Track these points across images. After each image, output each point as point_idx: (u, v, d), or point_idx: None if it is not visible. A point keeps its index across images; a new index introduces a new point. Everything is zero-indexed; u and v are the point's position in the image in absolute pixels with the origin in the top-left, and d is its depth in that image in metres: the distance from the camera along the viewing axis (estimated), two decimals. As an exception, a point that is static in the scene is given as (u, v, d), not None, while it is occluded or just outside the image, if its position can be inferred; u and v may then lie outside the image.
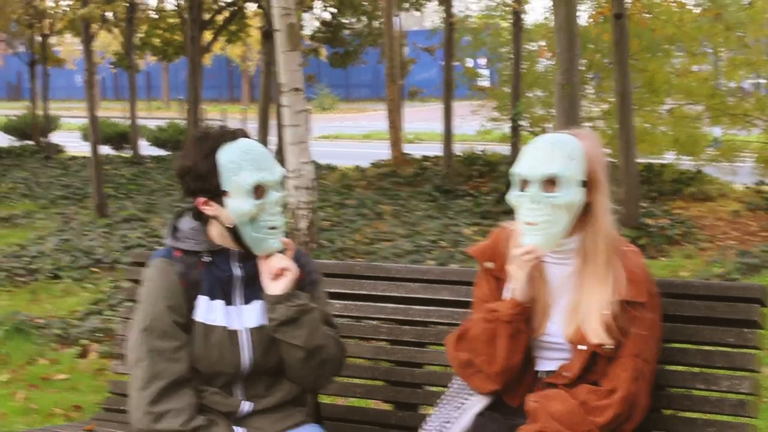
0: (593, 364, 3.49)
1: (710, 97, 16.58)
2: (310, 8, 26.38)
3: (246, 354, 3.64)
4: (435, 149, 22.01)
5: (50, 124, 29.10)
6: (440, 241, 13.30)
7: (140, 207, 17.64)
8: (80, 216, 16.91)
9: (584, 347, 3.48)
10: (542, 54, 20.16)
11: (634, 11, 15.84)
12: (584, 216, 3.58)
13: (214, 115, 40.26)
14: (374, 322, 4.35)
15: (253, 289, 3.68)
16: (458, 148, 20.71)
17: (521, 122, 19.11)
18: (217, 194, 3.57)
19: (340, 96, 53.47)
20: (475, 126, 21.01)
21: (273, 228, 3.61)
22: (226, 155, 3.55)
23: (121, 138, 27.95)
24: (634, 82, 15.59)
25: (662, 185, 17.06)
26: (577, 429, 3.36)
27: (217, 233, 3.68)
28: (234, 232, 3.60)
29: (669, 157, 17.67)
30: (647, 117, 17.63)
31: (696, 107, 17.43)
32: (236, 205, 3.54)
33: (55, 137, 29.57)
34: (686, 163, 17.51)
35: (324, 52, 32.03)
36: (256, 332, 3.65)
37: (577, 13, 12.10)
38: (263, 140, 16.58)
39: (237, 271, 3.68)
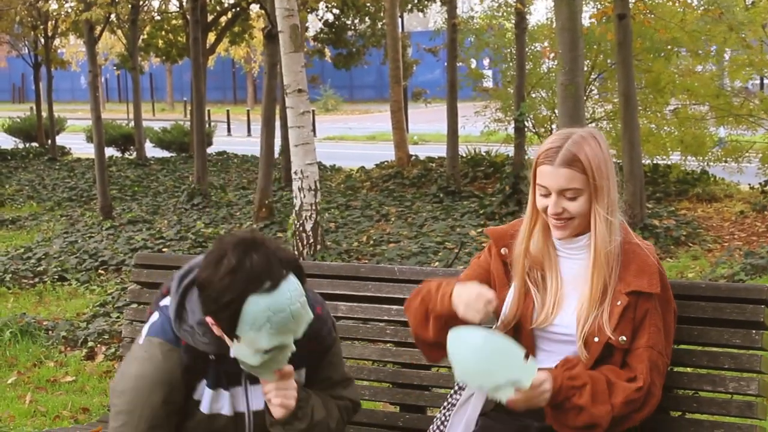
0: (607, 356, 3.48)
1: (715, 97, 16.56)
2: (314, 9, 26.38)
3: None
4: (439, 150, 22.01)
5: (55, 126, 29.12)
6: (446, 242, 13.30)
7: (145, 209, 17.67)
8: (86, 218, 16.93)
9: (598, 339, 3.45)
10: (546, 54, 20.15)
11: (637, 11, 15.83)
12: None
13: (218, 116, 40.32)
14: (380, 324, 4.34)
15: None
16: (463, 149, 20.70)
17: (525, 123, 19.10)
18: (226, 330, 3.20)
19: (344, 97, 53.50)
20: (480, 127, 21.00)
21: (280, 365, 3.29)
22: (253, 308, 3.11)
23: (126, 140, 27.97)
24: (638, 83, 15.58)
25: (668, 186, 17.05)
26: (597, 399, 3.36)
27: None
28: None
29: (674, 158, 17.65)
30: (652, 118, 17.62)
31: (701, 108, 17.42)
32: (242, 354, 3.22)
33: (59, 139, 29.60)
34: (692, 164, 17.49)
35: (328, 53, 32.05)
36: (261, 415, 3.45)
37: (581, 14, 12.10)
38: (269, 143, 16.55)
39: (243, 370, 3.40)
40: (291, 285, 3.15)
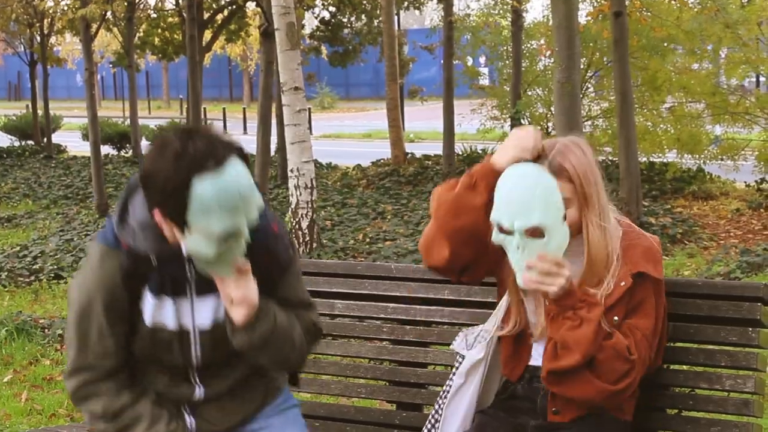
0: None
1: (711, 95, 16.57)
2: (310, 7, 26.38)
3: (196, 353, 3.30)
4: (436, 148, 22.02)
5: (51, 123, 29.09)
6: (442, 240, 13.28)
7: (141, 206, 17.65)
8: (82, 216, 16.94)
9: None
10: (542, 52, 20.17)
11: (634, 9, 15.84)
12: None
13: (214, 114, 40.29)
14: (376, 322, 4.33)
15: (208, 283, 3.21)
16: (459, 147, 20.71)
17: (521, 121, 19.11)
18: (176, 220, 3.03)
19: (341, 95, 53.49)
20: (476, 125, 21.02)
21: (228, 266, 3.12)
22: (201, 191, 2.96)
23: (122, 137, 27.94)
24: (634, 81, 15.59)
25: (664, 184, 17.06)
26: (600, 330, 3.36)
27: (169, 234, 3.13)
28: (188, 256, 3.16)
29: (671, 156, 17.66)
30: (648, 116, 17.63)
31: (697, 105, 17.43)
32: (194, 245, 3.04)
33: (55, 137, 29.57)
34: (688, 162, 17.50)
35: (324, 51, 32.04)
36: (208, 333, 3.28)
37: (577, 11, 12.10)
38: (265, 141, 16.56)
39: (190, 272, 3.22)
40: (236, 166, 3.01)
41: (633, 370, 3.35)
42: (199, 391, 3.39)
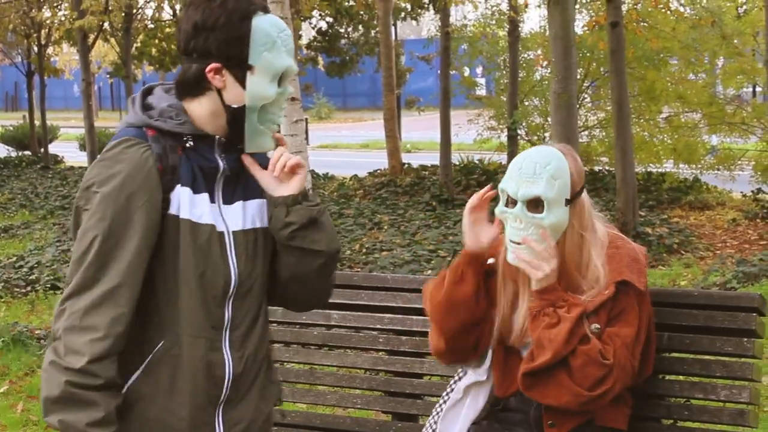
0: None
1: (708, 105, 16.60)
2: (307, 18, 26.40)
3: (233, 261, 3.01)
4: (433, 158, 22.02)
5: (48, 134, 29.09)
6: (439, 250, 13.31)
7: (138, 217, 17.63)
8: (78, 226, 16.90)
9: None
10: (539, 62, 20.19)
11: (630, 20, 15.87)
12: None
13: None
14: (372, 333, 4.34)
15: (234, 188, 3.06)
16: (456, 157, 20.73)
17: (518, 131, 19.13)
18: (237, 65, 2.94)
19: (337, 105, 53.49)
20: (473, 135, 21.03)
21: (275, 124, 3.07)
22: (265, 25, 2.95)
23: (119, 148, 27.86)
24: (630, 91, 15.61)
25: (660, 194, 17.07)
26: (575, 331, 3.40)
27: (204, 113, 2.99)
28: (235, 115, 2.98)
29: (667, 166, 17.68)
30: (645, 126, 17.66)
31: (693, 115, 17.46)
32: (259, 87, 2.96)
33: (52, 147, 29.57)
34: (684, 172, 17.52)
35: (321, 61, 32.05)
36: (242, 236, 3.04)
37: (573, 22, 12.11)
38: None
39: (221, 162, 3.01)
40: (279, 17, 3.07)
41: (610, 376, 3.37)
42: (227, 357, 3.01)
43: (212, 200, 2.99)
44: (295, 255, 3.10)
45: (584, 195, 3.56)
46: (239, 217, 3.04)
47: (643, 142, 17.11)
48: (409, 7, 27.58)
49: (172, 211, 2.92)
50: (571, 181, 3.47)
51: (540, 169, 3.45)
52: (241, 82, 2.95)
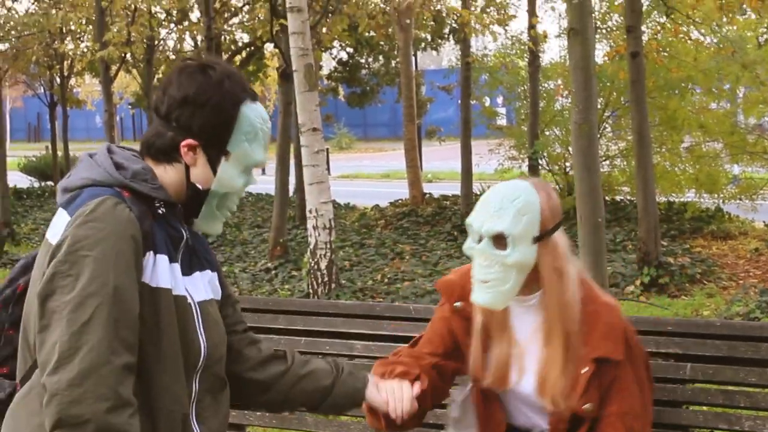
0: (578, 427, 3.40)
1: (729, 134, 16.57)
2: (328, 48, 26.50)
3: (201, 336, 2.89)
4: (454, 188, 22.03)
5: (71, 164, 29.19)
6: (460, 280, 13.27)
7: (160, 247, 17.64)
8: (100, 256, 16.93)
9: (559, 410, 3.39)
10: (559, 92, 20.20)
11: (650, 50, 15.87)
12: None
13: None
14: (396, 363, 4.34)
15: (191, 258, 2.94)
16: (477, 187, 20.74)
17: (539, 161, 19.13)
18: (215, 148, 2.86)
19: (358, 135, 53.61)
20: (494, 165, 21.03)
21: (231, 212, 2.99)
22: (252, 114, 2.88)
23: (141, 178, 27.95)
24: (651, 120, 15.59)
25: (682, 224, 17.02)
26: None
27: (167, 181, 2.86)
28: (196, 195, 2.89)
29: (689, 196, 17.65)
30: (666, 155, 17.63)
31: (715, 145, 17.43)
32: (230, 175, 2.88)
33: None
34: (706, 202, 17.47)
35: (342, 91, 32.14)
36: (207, 307, 2.94)
37: (594, 52, 12.11)
38: (283, 181, 16.62)
39: (185, 232, 2.91)
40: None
41: None
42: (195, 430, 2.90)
43: (175, 260, 2.88)
44: (298, 390, 3.26)
45: (559, 234, 3.40)
46: (201, 287, 2.95)
47: (665, 172, 17.08)
48: (429, 37, 27.68)
49: (146, 279, 2.75)
50: (541, 218, 3.32)
51: (507, 203, 3.31)
52: (213, 165, 2.87)
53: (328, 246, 11.55)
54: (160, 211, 2.82)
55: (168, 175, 2.87)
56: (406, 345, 3.74)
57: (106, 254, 2.64)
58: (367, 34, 26.35)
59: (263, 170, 37.64)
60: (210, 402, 2.94)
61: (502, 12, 21.08)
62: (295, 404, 3.33)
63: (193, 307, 2.87)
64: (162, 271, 2.78)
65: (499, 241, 3.31)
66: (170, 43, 27.83)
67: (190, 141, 2.83)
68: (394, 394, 3.32)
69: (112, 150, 2.91)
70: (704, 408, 3.83)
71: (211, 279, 3.03)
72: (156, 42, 24.45)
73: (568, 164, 18.83)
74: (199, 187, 2.87)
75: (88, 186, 2.80)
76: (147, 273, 2.75)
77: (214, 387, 2.97)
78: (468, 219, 3.41)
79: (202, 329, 2.88)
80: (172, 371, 2.79)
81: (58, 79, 28.21)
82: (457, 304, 3.55)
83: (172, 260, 2.83)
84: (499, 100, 24.47)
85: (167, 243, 2.83)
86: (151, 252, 2.77)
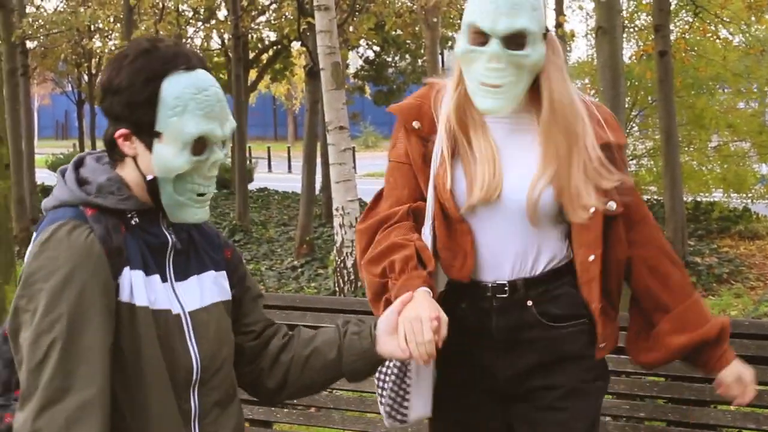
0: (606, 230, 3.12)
1: (758, 134, 16.52)
2: (355, 47, 26.53)
3: (193, 349, 2.70)
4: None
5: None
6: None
7: (186, 244, 17.70)
8: (127, 254, 16.99)
9: (591, 210, 3.05)
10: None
11: (678, 49, 15.82)
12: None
13: (259, 153, 40.50)
14: (422, 361, 4.33)
15: (186, 262, 2.78)
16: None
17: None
18: (145, 132, 2.62)
19: (384, 134, 53.61)
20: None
21: (201, 195, 2.71)
22: (173, 88, 2.60)
23: (167, 175, 28.08)
24: (679, 119, 15.55)
25: (710, 223, 16.96)
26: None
27: (133, 182, 2.68)
28: (152, 185, 2.66)
29: (716, 195, 17.59)
30: (694, 155, 17.57)
31: (743, 144, 17.36)
32: (166, 156, 2.62)
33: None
34: (734, 201, 17.41)
35: (368, 89, 32.17)
36: (201, 315, 2.74)
37: (621, 51, 12.07)
38: (310, 180, 16.64)
39: (170, 236, 2.73)
40: (209, 74, 2.70)
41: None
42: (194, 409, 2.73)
43: (163, 279, 2.69)
44: (312, 367, 2.96)
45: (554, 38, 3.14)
46: (196, 293, 2.75)
47: (692, 171, 17.03)
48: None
49: (124, 298, 2.58)
50: (544, 12, 3.09)
51: None
52: (150, 150, 2.64)
53: (354, 244, 11.58)
54: (133, 222, 2.67)
55: (127, 174, 2.69)
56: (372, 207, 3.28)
57: (58, 285, 2.48)
58: (393, 32, 26.39)
59: (289, 168, 37.76)
60: (217, 415, 2.76)
61: (530, 10, 21.04)
62: (314, 387, 3.02)
63: (183, 319, 2.69)
64: (137, 287, 2.60)
65: (516, 40, 2.97)
66: (197, 41, 27.93)
67: (121, 131, 2.64)
68: (414, 336, 2.82)
69: (83, 163, 2.76)
70: (732, 408, 3.81)
71: (215, 279, 2.84)
72: (183, 40, 24.54)
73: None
74: (149, 177, 2.65)
75: (55, 207, 2.66)
76: (124, 292, 2.58)
77: (222, 399, 2.78)
78: (467, 18, 3.02)
79: (193, 341, 2.69)
80: (159, 393, 2.61)
81: (86, 77, 28.41)
82: (415, 123, 3.22)
83: (149, 272, 2.64)
84: (526, 98, 24.46)
85: (144, 254, 2.65)
86: (128, 267, 2.60)
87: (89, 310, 2.48)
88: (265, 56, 26.37)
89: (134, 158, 2.66)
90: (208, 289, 2.79)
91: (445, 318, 2.82)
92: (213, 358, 2.73)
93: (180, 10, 20.96)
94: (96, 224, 2.57)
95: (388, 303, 2.98)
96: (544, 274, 3.12)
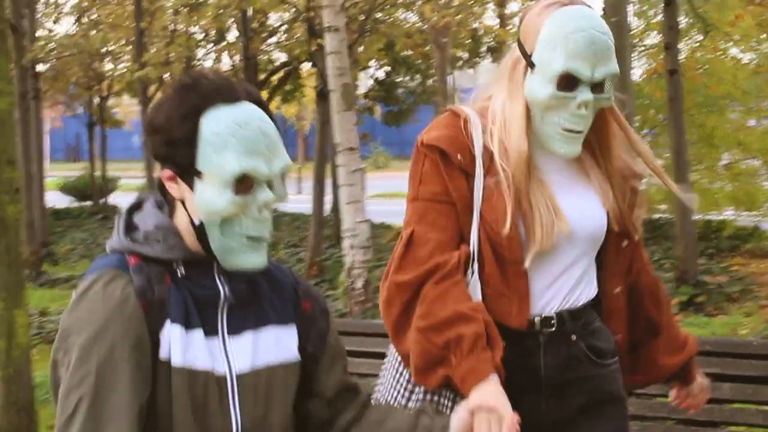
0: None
1: (768, 152, 16.52)
2: (366, 67, 26.58)
3: (235, 411, 2.51)
4: (490, 207, 21.98)
5: (109, 185, 29.41)
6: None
7: (197, 266, 17.70)
8: (138, 276, 16.98)
9: (626, 242, 3.04)
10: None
11: (688, 68, 15.82)
12: None
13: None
14: (432, 383, 4.32)
15: (243, 315, 2.58)
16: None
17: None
18: (187, 172, 2.48)
19: (395, 154, 53.64)
20: (530, 183, 21.01)
21: (252, 238, 2.50)
22: (213, 123, 2.45)
23: (178, 198, 28.09)
24: (689, 137, 15.54)
25: (720, 242, 16.91)
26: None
27: (185, 228, 2.53)
28: (199, 230, 2.50)
29: (727, 214, 17.56)
30: (705, 173, 17.54)
31: (754, 162, 17.34)
32: (208, 196, 2.46)
33: (112, 198, 29.88)
34: (745, 220, 17.38)
35: (378, 110, 32.19)
36: (250, 378, 2.54)
37: (631, 69, 12.08)
38: (320, 201, 16.65)
39: (223, 288, 2.55)
40: (256, 109, 2.54)
41: None
42: None
43: (210, 333, 2.51)
44: None
45: None
46: (247, 353, 2.55)
47: (703, 190, 17.00)
48: (466, 56, 27.67)
49: (163, 354, 2.45)
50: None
51: (607, 37, 2.87)
52: (194, 191, 2.50)
53: (365, 266, 11.55)
54: (178, 273, 2.51)
55: (179, 220, 2.56)
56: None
57: (89, 340, 2.38)
58: (403, 53, 26.43)
59: (299, 189, 37.81)
60: None
61: (539, 30, 21.06)
62: None
63: (228, 381, 2.51)
64: (174, 344, 2.44)
65: (602, 83, 2.89)
66: (208, 63, 27.99)
67: (166, 172, 2.52)
68: None
69: (140, 206, 2.64)
70: (742, 428, 3.81)
71: (277, 336, 2.62)
72: (194, 62, 24.61)
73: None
74: (196, 221, 2.50)
75: (104, 256, 2.56)
76: (164, 348, 2.45)
77: None
78: (558, 65, 2.84)
79: (236, 405, 2.51)
80: None
81: (97, 100, 28.45)
82: (459, 156, 2.94)
83: (190, 326, 2.46)
84: (536, 118, 24.45)
85: (188, 307, 2.48)
86: (168, 320, 2.46)
87: (118, 367, 2.37)
88: (275, 77, 26.38)
89: (182, 202, 2.53)
90: (263, 347, 2.58)
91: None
92: (258, 425, 2.54)
93: (190, 32, 21.00)
94: (137, 275, 2.46)
95: (445, 379, 2.78)
96: (585, 305, 3.00)
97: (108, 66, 24.31)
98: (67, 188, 32.09)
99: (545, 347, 2.92)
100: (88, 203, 30.29)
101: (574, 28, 2.82)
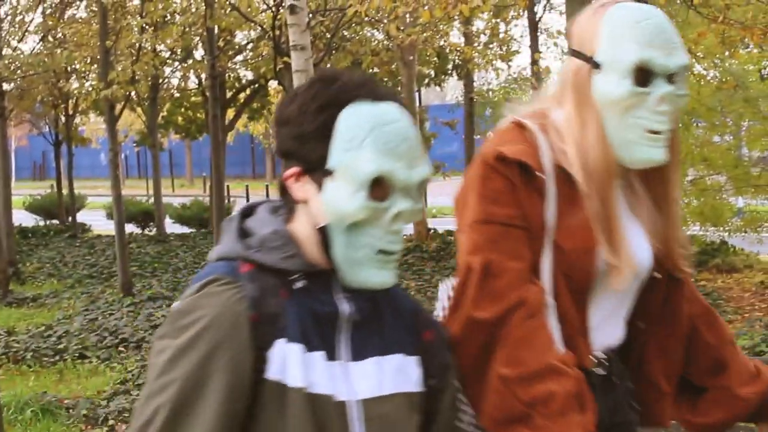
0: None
1: (733, 167, 16.60)
2: (332, 85, 26.62)
3: None
4: (458, 223, 22.01)
5: (76, 203, 29.28)
6: (465, 315, 13.25)
7: (166, 285, 17.68)
8: (106, 295, 16.95)
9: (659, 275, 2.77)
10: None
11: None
12: None
13: (238, 191, 40.47)
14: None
15: (367, 338, 2.32)
16: (481, 222, 20.76)
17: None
18: (317, 169, 2.23)
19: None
20: (498, 200, 21.06)
21: (382, 252, 2.25)
22: (351, 118, 2.21)
23: (146, 216, 28.08)
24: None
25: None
26: None
27: (306, 237, 2.27)
28: (322, 235, 2.25)
29: (694, 229, 17.66)
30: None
31: (719, 178, 17.45)
32: (338, 197, 2.21)
33: (80, 216, 29.76)
34: (711, 235, 17.48)
35: (346, 127, 32.26)
36: (375, 406, 2.28)
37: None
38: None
39: (343, 306, 2.28)
40: (399, 108, 2.30)
41: None
42: None
43: (332, 357, 2.26)
44: None
45: None
46: (373, 379, 2.29)
47: (669, 206, 17.08)
48: (433, 73, 27.77)
49: (272, 374, 2.18)
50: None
51: (672, 29, 2.60)
52: (322, 191, 2.25)
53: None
54: (296, 286, 2.25)
55: (299, 227, 2.30)
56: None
57: (182, 348, 2.14)
58: (370, 70, 26.51)
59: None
60: None
61: (505, 47, 21.18)
62: None
63: (352, 408, 2.25)
64: (292, 365, 2.18)
65: (674, 78, 2.58)
66: (174, 81, 27.99)
67: (291, 170, 2.27)
68: None
69: (253, 211, 2.42)
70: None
71: (401, 366, 2.37)
72: (160, 80, 24.59)
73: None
74: (319, 225, 2.25)
75: (214, 261, 2.32)
76: (273, 367, 2.18)
77: None
78: (631, 56, 2.54)
79: None
80: None
81: (63, 118, 28.36)
82: (539, 175, 2.61)
83: (311, 348, 2.22)
84: (503, 135, 24.55)
85: (306, 326, 2.23)
86: (284, 340, 2.20)
87: (209, 379, 2.12)
88: (242, 95, 26.40)
89: (305, 203, 2.27)
90: (389, 375, 2.33)
91: None
92: None
93: (157, 50, 20.95)
94: (250, 283, 2.21)
95: None
96: (618, 347, 2.77)
97: (74, 84, 24.20)
98: (33, 207, 31.91)
99: (599, 391, 2.64)
100: (55, 222, 30.14)
101: (641, 16, 2.56)
